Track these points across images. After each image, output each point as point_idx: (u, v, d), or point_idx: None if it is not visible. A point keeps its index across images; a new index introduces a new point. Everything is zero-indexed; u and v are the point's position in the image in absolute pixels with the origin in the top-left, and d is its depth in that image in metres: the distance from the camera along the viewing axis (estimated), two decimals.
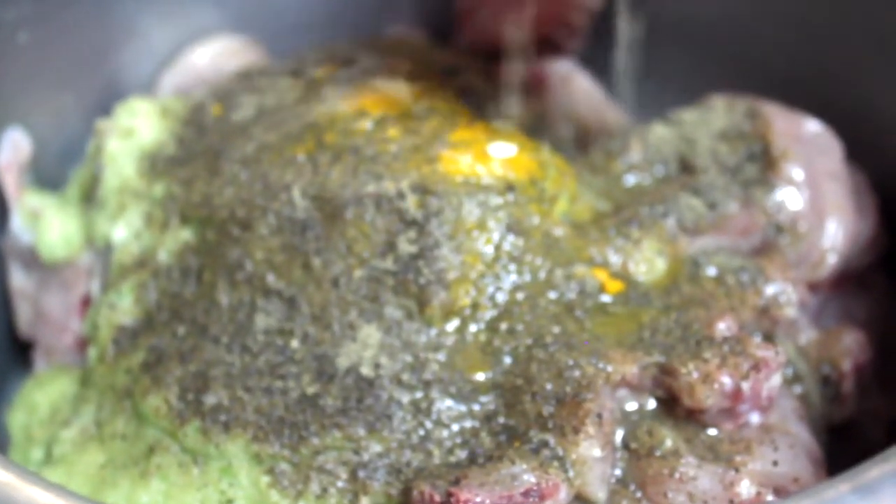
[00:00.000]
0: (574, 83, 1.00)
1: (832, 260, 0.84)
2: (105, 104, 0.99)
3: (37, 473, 0.54)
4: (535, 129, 0.93)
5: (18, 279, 0.92)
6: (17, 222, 0.91)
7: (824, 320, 0.86)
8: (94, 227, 0.88)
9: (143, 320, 0.81)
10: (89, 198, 0.90)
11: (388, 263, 0.77)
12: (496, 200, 0.78)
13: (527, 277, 0.77)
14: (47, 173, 0.96)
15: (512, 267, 0.77)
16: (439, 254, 0.76)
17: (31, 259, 0.91)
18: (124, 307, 0.82)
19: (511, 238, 0.78)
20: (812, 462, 0.75)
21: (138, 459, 0.75)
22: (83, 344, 0.87)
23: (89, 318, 0.85)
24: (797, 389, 0.80)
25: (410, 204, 0.77)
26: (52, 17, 0.93)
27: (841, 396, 0.81)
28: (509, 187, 0.79)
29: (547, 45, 1.01)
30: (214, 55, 1.02)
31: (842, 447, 0.80)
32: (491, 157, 0.81)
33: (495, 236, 0.78)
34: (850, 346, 0.82)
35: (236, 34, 1.05)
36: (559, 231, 0.80)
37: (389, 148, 0.81)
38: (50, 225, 0.89)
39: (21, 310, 0.92)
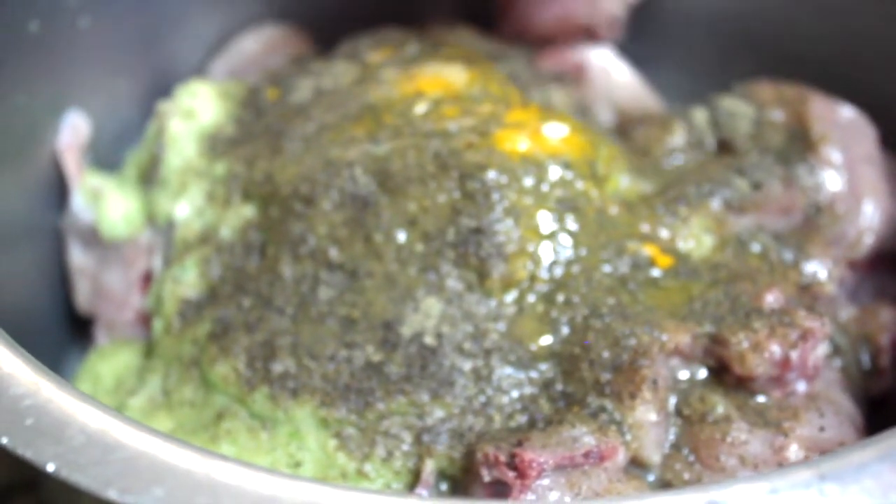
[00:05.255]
0: (614, 71, 1.03)
1: (869, 240, 0.87)
2: (157, 89, 1.02)
3: (144, 424, 0.57)
4: (577, 116, 0.96)
5: (78, 257, 0.95)
6: (78, 201, 0.93)
7: (860, 298, 0.89)
8: (155, 206, 0.91)
9: (207, 293, 0.84)
10: (148, 177, 0.93)
11: (449, 237, 0.80)
12: (553, 177, 0.82)
13: (582, 251, 0.80)
14: (102, 155, 0.99)
15: (568, 241, 0.80)
16: (498, 228, 0.79)
17: (91, 237, 0.93)
18: (189, 281, 0.85)
19: (567, 214, 0.81)
20: (856, 429, 0.77)
21: (207, 425, 0.78)
22: (144, 319, 0.90)
23: (153, 292, 0.88)
24: (837, 363, 0.83)
25: (470, 180, 0.80)
26: (111, 3, 0.95)
27: (878, 370, 0.84)
28: (565, 165, 0.82)
29: (586, 34, 1.04)
30: (264, 42, 1.05)
31: (879, 419, 0.83)
32: (546, 136, 0.84)
33: (552, 212, 0.81)
34: (887, 322, 0.85)
35: (283, 23, 1.08)
36: (611, 208, 0.83)
37: (447, 127, 0.84)
38: (111, 204, 0.92)
39: (80, 286, 0.95)
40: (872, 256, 0.88)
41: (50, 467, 0.54)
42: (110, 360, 0.88)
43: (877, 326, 0.85)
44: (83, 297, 0.95)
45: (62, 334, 0.97)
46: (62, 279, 0.96)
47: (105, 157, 0.99)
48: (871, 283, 0.90)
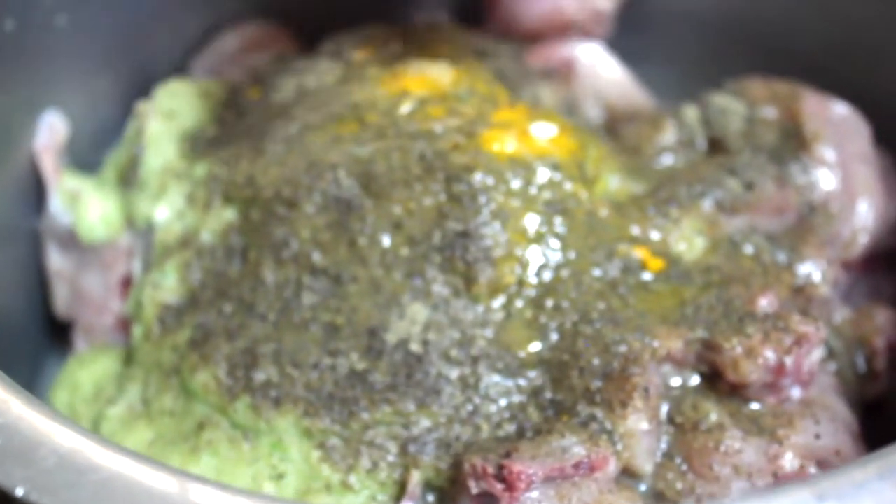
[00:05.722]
0: (603, 67, 1.01)
1: (863, 240, 0.86)
2: (137, 88, 1.00)
3: (115, 442, 0.55)
4: (565, 112, 0.94)
5: (56, 260, 0.93)
6: (56, 204, 0.91)
7: (855, 299, 0.87)
8: (134, 208, 0.88)
9: (187, 299, 0.82)
10: (128, 179, 0.91)
11: (435, 241, 0.78)
12: (541, 179, 0.80)
13: (571, 255, 0.79)
14: (81, 156, 0.96)
15: (556, 244, 0.79)
16: (485, 231, 0.78)
17: (69, 240, 0.91)
18: (169, 286, 0.83)
19: (555, 216, 0.79)
20: (852, 436, 0.76)
21: (188, 435, 0.76)
22: (124, 324, 0.88)
23: (132, 297, 0.86)
24: (831, 367, 0.82)
25: (456, 182, 0.79)
26: (89, 0, 0.93)
27: (874, 373, 0.83)
28: (553, 166, 0.80)
29: (575, 29, 1.02)
30: (246, 40, 1.03)
31: (875, 423, 0.81)
32: (533, 136, 0.82)
33: (540, 214, 0.79)
34: (883, 324, 0.84)
35: (265, 20, 1.06)
36: (601, 210, 0.81)
37: (433, 127, 0.82)
38: (89, 206, 0.90)
39: (58, 290, 0.93)
40: (867, 256, 0.87)
41: (19, 491, 0.52)
42: (89, 367, 0.86)
43: (872, 328, 0.84)
44: (62, 301, 0.93)
45: (41, 339, 0.96)
46: (40, 283, 0.94)
47: (84, 157, 0.97)
48: (865, 284, 0.88)
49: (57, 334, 0.95)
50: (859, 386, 0.82)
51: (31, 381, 0.93)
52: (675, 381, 0.75)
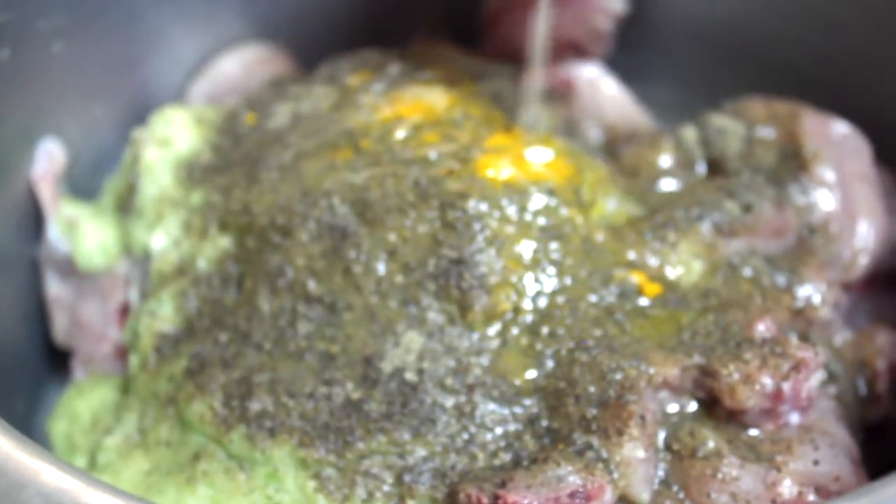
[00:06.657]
0: (602, 87, 1.00)
1: (864, 261, 0.85)
2: (135, 114, 1.00)
3: (104, 481, 0.55)
4: (564, 134, 0.94)
5: (54, 288, 0.93)
6: (54, 232, 0.91)
7: (856, 321, 0.87)
8: (131, 236, 0.89)
9: (184, 328, 0.82)
10: (125, 207, 0.91)
11: (430, 268, 0.77)
12: (536, 205, 0.79)
13: (567, 281, 0.78)
14: (80, 183, 0.96)
15: (552, 271, 0.78)
16: (480, 258, 0.77)
17: (68, 268, 0.91)
18: (165, 315, 0.83)
19: (551, 242, 0.79)
20: (851, 461, 0.75)
21: (184, 466, 0.76)
22: (122, 352, 0.88)
23: (129, 326, 0.86)
24: (832, 390, 0.81)
25: (450, 209, 0.78)
26: (85, 27, 0.93)
27: (875, 396, 0.82)
28: (549, 191, 0.80)
29: (573, 50, 1.02)
30: (243, 63, 1.03)
31: (877, 446, 0.81)
32: (529, 161, 0.82)
33: (535, 240, 0.79)
34: (884, 346, 0.83)
35: (263, 43, 1.06)
36: (597, 235, 0.81)
37: (427, 154, 0.82)
38: (87, 234, 0.90)
39: (57, 319, 0.93)
40: (868, 277, 0.86)
41: None
42: (87, 397, 0.86)
43: (873, 351, 0.83)
44: (61, 329, 0.93)
45: (41, 367, 0.95)
46: (40, 311, 0.94)
47: (83, 184, 0.97)
48: (866, 305, 0.88)
49: (57, 362, 0.95)
50: (860, 409, 0.82)
51: (31, 410, 0.93)
52: (672, 408, 0.75)
